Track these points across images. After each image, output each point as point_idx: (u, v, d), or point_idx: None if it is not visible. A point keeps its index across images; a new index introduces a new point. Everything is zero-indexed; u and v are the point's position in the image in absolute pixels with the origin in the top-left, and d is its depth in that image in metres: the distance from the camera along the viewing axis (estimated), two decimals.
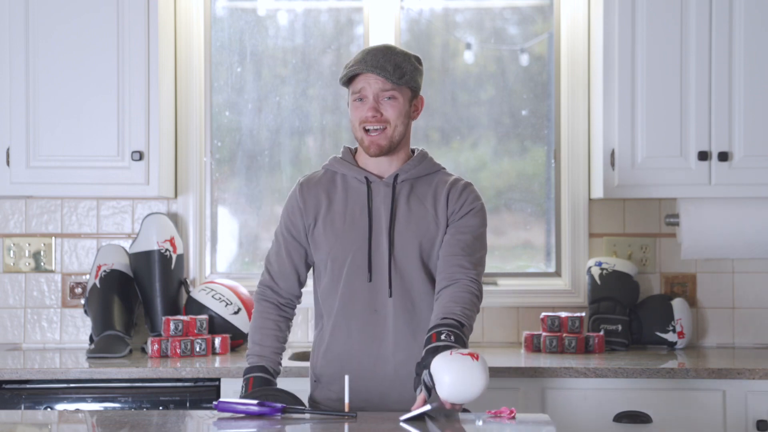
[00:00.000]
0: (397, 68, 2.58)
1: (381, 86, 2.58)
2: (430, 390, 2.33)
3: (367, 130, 2.61)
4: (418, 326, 2.59)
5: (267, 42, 3.98)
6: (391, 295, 2.58)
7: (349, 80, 2.62)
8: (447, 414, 2.34)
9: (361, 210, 2.61)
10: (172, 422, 2.36)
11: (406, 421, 2.32)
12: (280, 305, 2.72)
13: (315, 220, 2.65)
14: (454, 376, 2.27)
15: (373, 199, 2.62)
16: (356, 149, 2.71)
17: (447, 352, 2.31)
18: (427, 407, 2.32)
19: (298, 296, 2.76)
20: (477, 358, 2.29)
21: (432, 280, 2.61)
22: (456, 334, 2.39)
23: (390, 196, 2.62)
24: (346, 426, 2.28)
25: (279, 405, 2.36)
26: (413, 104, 2.65)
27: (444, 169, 2.71)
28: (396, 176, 2.63)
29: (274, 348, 2.68)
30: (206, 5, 3.91)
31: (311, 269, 2.75)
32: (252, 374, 2.62)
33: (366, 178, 2.63)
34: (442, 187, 2.65)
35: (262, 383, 2.59)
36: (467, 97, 3.96)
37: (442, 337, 2.38)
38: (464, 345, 2.40)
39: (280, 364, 2.69)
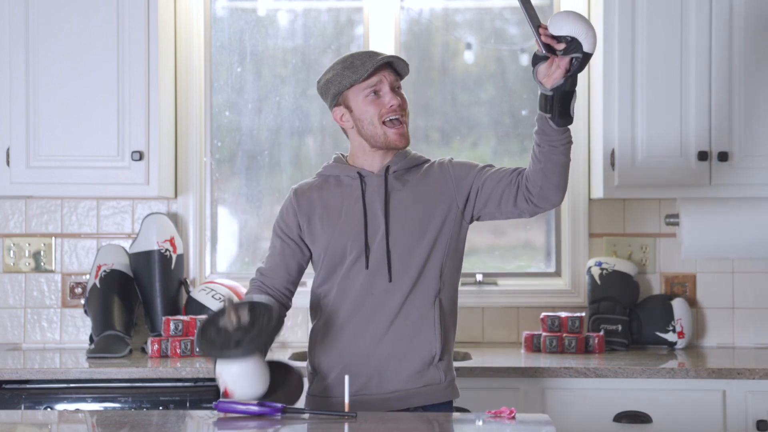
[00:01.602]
0: (401, 61, 2.67)
1: (393, 78, 2.65)
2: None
3: (386, 122, 2.62)
4: (413, 306, 2.60)
5: (267, 42, 3.98)
6: (390, 280, 2.59)
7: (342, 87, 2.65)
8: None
9: (356, 201, 2.63)
10: (172, 422, 2.37)
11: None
12: (269, 294, 2.71)
13: (309, 219, 2.66)
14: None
15: (367, 190, 2.64)
16: (347, 156, 2.73)
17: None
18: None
19: (288, 295, 2.73)
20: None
21: (432, 259, 2.61)
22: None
23: (383, 186, 2.64)
24: (346, 426, 2.28)
25: (279, 405, 2.36)
26: None
27: (428, 159, 2.75)
28: (387, 168, 2.66)
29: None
30: (206, 5, 3.91)
31: (308, 269, 2.75)
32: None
33: (359, 173, 2.65)
34: (435, 169, 2.69)
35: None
36: (467, 97, 3.96)
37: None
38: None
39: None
